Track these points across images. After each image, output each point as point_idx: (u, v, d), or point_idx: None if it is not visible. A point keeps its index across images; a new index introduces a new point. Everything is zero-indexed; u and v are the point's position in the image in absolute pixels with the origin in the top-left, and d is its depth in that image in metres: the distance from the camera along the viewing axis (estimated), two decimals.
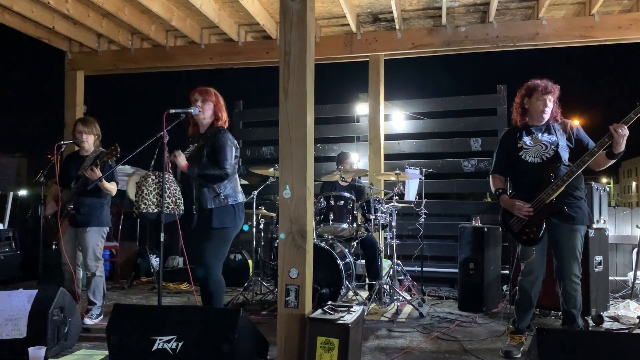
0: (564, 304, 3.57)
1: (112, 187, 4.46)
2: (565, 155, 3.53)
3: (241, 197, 3.73)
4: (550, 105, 3.61)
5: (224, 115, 3.80)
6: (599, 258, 4.56)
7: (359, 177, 5.93)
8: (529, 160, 3.59)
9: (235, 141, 3.77)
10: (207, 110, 3.73)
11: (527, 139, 3.65)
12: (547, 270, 3.65)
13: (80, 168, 4.45)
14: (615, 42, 5.76)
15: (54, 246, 4.45)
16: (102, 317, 4.45)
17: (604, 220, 4.85)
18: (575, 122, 3.78)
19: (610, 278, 4.95)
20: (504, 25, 5.86)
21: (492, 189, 3.79)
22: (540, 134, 3.63)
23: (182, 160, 3.54)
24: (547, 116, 3.63)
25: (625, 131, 3.29)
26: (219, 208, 3.58)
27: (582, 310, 3.68)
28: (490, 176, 3.84)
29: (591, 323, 4.47)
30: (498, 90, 6.60)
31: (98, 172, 4.21)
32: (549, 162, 3.51)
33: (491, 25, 5.84)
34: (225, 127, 3.82)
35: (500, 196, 3.68)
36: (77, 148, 4.64)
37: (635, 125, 3.37)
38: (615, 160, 3.46)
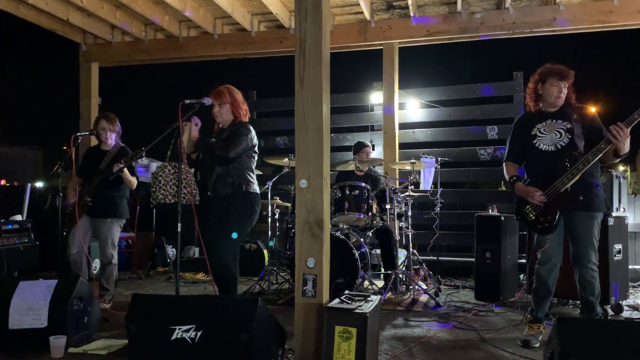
0: (581, 292, 3.53)
1: (133, 180, 4.59)
2: (580, 143, 3.47)
3: (256, 188, 3.77)
4: (564, 91, 3.54)
5: (242, 111, 3.79)
6: (618, 246, 4.50)
7: (374, 167, 5.91)
8: (543, 149, 3.53)
9: (254, 137, 3.77)
10: (224, 113, 3.75)
11: (541, 126, 3.58)
12: (564, 259, 3.62)
13: (101, 162, 4.56)
14: (636, 27, 5.64)
15: (64, 233, 4.53)
16: (111, 302, 4.63)
17: (623, 208, 4.79)
18: (592, 109, 3.71)
19: (629, 267, 4.89)
20: (521, 11, 5.77)
21: (506, 177, 3.74)
22: (554, 121, 3.56)
23: (195, 130, 3.59)
24: (561, 102, 3.56)
25: (625, 133, 3.20)
26: (234, 195, 3.61)
27: (601, 299, 3.64)
28: (504, 163, 3.79)
29: (610, 312, 4.42)
30: (514, 77, 6.52)
31: (121, 165, 4.33)
32: (563, 150, 3.45)
33: (507, 12, 5.75)
34: (247, 119, 3.82)
35: (515, 183, 3.63)
36: (96, 141, 4.73)
37: None
38: (620, 159, 3.40)
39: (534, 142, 3.58)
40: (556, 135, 3.51)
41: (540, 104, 3.63)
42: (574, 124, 3.51)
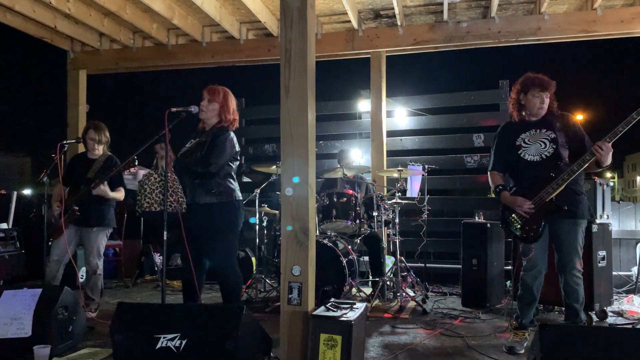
0: (566, 299, 3.57)
1: (118, 195, 4.58)
2: (564, 152, 3.52)
3: (239, 195, 3.74)
4: (546, 102, 3.59)
5: (229, 117, 3.74)
6: (602, 253, 4.55)
7: (362, 174, 5.93)
8: (528, 159, 3.57)
9: (236, 143, 3.74)
10: (210, 110, 3.71)
11: (525, 136, 3.62)
12: (549, 266, 3.65)
13: (88, 171, 4.52)
14: (618, 36, 5.73)
15: (49, 242, 4.49)
16: (97, 311, 4.60)
17: (607, 215, 4.84)
18: (574, 117, 3.76)
19: (614, 273, 4.94)
20: (506, 20, 5.84)
21: (492, 186, 3.77)
22: (538, 131, 3.60)
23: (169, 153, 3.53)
24: (543, 112, 3.61)
25: (607, 148, 3.29)
26: (215, 204, 3.59)
27: (586, 306, 3.67)
28: (489, 173, 3.82)
29: (595, 318, 4.46)
30: (500, 85, 6.58)
31: (105, 189, 4.37)
32: (548, 161, 3.50)
33: (493, 21, 5.82)
34: (233, 128, 3.78)
35: (501, 193, 3.66)
36: (83, 149, 4.71)
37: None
38: (603, 169, 3.49)
39: (519, 152, 3.62)
40: (541, 145, 3.56)
41: (524, 113, 3.67)
42: (558, 132, 3.55)
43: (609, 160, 3.35)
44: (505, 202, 3.63)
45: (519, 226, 3.56)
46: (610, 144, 3.31)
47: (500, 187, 3.68)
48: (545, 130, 3.59)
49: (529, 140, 3.61)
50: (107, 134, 4.71)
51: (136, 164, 4.13)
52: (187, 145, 3.77)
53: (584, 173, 3.64)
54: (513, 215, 3.58)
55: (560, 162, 3.46)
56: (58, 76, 7.23)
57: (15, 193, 6.68)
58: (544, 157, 3.53)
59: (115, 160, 4.63)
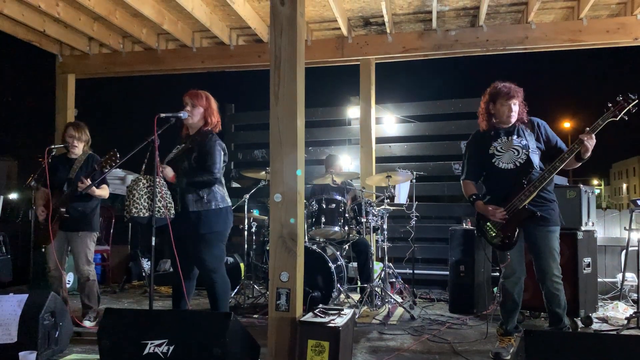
0: (548, 305, 3.61)
1: (103, 192, 4.50)
2: (536, 159, 3.57)
3: (227, 201, 3.74)
4: (515, 109, 3.64)
5: (214, 120, 3.77)
6: (587, 260, 4.60)
7: (351, 180, 5.95)
8: (502, 167, 3.62)
9: (224, 146, 3.76)
10: (195, 115, 3.71)
11: (497, 145, 3.67)
12: (532, 272, 3.69)
13: (70, 171, 4.47)
14: (604, 46, 5.82)
15: (42, 249, 4.43)
16: (97, 320, 4.46)
17: (593, 223, 4.89)
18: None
19: (599, 280, 5.00)
20: (494, 29, 5.91)
21: (466, 195, 3.83)
22: (509, 138, 3.65)
23: (169, 172, 3.56)
24: (513, 119, 3.67)
25: (593, 141, 3.38)
26: (204, 212, 3.59)
27: (571, 312, 3.71)
28: (463, 182, 3.86)
29: (580, 324, 4.50)
30: None
31: (88, 182, 4.26)
32: (521, 168, 3.55)
33: (481, 29, 5.89)
34: (217, 131, 3.80)
35: (475, 202, 3.72)
36: (64, 150, 4.65)
37: (627, 127, 3.43)
38: (582, 162, 3.54)
39: (492, 160, 3.67)
40: (514, 152, 3.61)
41: (494, 121, 3.73)
42: (529, 139, 3.61)
43: (590, 151, 3.41)
44: (480, 211, 3.69)
45: (494, 234, 3.61)
46: (594, 135, 3.38)
47: (474, 197, 3.74)
48: (516, 137, 3.65)
49: (501, 148, 3.66)
50: (87, 133, 4.66)
51: (118, 156, 4.08)
52: (172, 152, 3.77)
53: (571, 179, 3.70)
54: (488, 223, 3.63)
55: (531, 169, 3.52)
56: (47, 80, 7.19)
57: (1, 197, 6.62)
58: (517, 164, 3.58)
59: (96, 157, 4.56)
